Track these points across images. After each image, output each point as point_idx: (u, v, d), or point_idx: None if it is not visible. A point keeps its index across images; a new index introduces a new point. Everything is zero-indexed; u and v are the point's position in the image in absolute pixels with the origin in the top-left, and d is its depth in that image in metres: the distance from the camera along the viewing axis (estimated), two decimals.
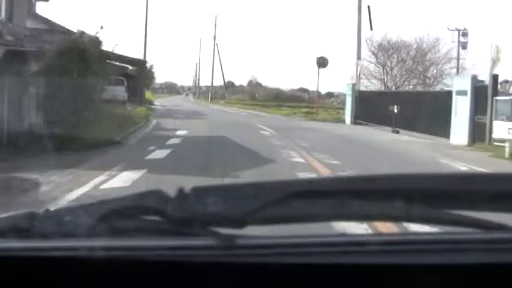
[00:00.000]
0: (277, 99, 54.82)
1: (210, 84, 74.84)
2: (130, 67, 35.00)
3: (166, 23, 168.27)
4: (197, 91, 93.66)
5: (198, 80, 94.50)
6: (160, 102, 53.45)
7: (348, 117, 28.02)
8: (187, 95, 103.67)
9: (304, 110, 37.83)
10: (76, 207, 0.93)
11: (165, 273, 0.88)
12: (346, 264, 0.88)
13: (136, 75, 33.23)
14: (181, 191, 0.90)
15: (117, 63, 33.69)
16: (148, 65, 39.63)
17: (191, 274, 0.88)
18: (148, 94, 62.05)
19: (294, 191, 0.92)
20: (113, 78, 31.22)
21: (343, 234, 0.93)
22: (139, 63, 33.67)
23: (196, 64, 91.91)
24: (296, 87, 66.61)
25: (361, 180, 1.01)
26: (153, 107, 37.35)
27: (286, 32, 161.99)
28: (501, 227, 0.95)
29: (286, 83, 75.14)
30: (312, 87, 71.32)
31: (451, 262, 0.89)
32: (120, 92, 29.46)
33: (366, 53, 35.11)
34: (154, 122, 20.48)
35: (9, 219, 0.92)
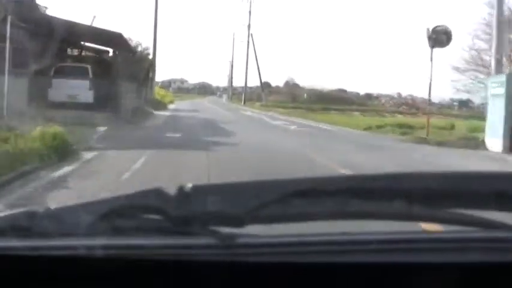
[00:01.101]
0: (321, 101, 48.68)
1: (245, 84, 63.23)
2: (111, 51, 22.31)
3: (200, 20, 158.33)
4: (230, 92, 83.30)
5: (231, 79, 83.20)
6: (179, 105, 43.29)
7: (495, 139, 14.53)
8: (220, 96, 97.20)
9: (357, 115, 33.08)
10: (76, 206, 0.92)
11: (165, 272, 0.87)
12: (346, 263, 0.88)
13: (122, 62, 20.39)
14: (181, 189, 0.90)
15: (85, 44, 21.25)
16: (139, 46, 26.82)
17: (191, 273, 0.87)
18: (162, 93, 49.49)
19: (294, 190, 0.92)
20: (67, 66, 18.86)
21: (344, 233, 0.92)
22: (117, 41, 18.91)
23: (230, 62, 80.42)
24: (334, 87, 59.53)
25: (361, 179, 1.02)
26: (156, 112, 26.82)
27: (320, 30, 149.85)
28: (502, 226, 0.95)
29: (323, 84, 64.33)
30: (350, 88, 62.70)
31: (452, 261, 0.89)
32: (80, 89, 16.86)
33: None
34: (68, 168, 7.56)
35: (9, 217, 0.91)
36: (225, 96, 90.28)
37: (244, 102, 57.18)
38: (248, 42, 59.31)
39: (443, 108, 46.71)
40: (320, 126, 21.87)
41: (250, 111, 36.00)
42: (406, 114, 37.93)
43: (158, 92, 47.85)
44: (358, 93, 64.12)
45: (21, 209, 0.92)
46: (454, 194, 0.97)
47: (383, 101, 64.12)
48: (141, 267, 0.87)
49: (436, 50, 16.77)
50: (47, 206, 0.92)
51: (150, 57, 30.82)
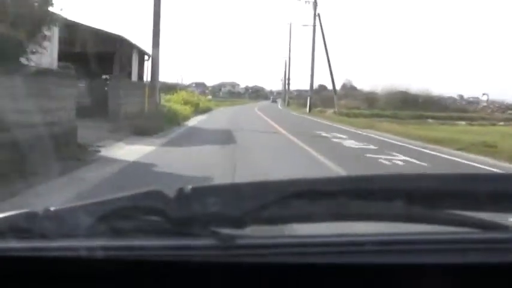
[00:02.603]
0: (407, 107, 41.27)
1: (302, 87, 49.30)
2: None
3: (252, 18, 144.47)
4: (286, 96, 68.17)
5: (288, 80, 67.96)
6: (212, 117, 28.62)
7: None
8: (273, 101, 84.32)
9: (465, 125, 28.44)
10: (76, 207, 0.92)
11: (165, 273, 0.87)
12: (346, 264, 0.88)
13: None
14: (181, 191, 0.89)
15: None
16: None
17: (191, 274, 0.87)
18: (190, 98, 33.12)
19: (293, 191, 0.92)
20: None
21: (343, 234, 0.92)
22: None
23: (286, 62, 65.59)
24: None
25: (361, 180, 1.01)
26: (119, 150, 10.92)
27: (369, 28, 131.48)
28: (501, 227, 0.95)
29: (380, 85, 52.14)
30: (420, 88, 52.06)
31: (451, 262, 0.89)
32: None
33: None
34: None
35: (9, 219, 0.90)
36: (279, 101, 79.26)
37: (309, 110, 40.69)
38: (314, 25, 42.29)
39: None
40: None
41: (344, 135, 17.57)
42: None
43: (183, 97, 31.20)
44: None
45: (21, 210, 0.91)
46: (453, 195, 0.97)
47: (482, 105, 55.18)
48: (141, 268, 0.86)
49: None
50: (47, 207, 0.91)
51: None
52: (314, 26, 41.97)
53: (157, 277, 0.86)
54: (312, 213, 0.92)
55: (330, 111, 37.26)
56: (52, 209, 0.91)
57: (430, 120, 32.14)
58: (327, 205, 0.92)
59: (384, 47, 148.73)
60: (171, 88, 39.30)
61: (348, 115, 33.28)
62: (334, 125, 24.00)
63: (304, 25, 44.37)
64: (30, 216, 0.89)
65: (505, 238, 0.93)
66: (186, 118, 23.03)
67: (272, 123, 23.38)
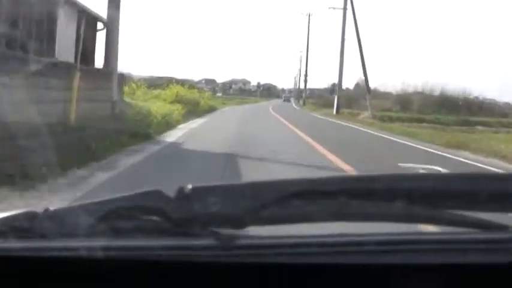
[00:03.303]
0: (445, 110, 35.10)
1: (313, 86, 46.49)
2: None
3: (265, 10, 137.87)
4: (303, 94, 61.30)
5: (306, 76, 60.35)
6: (219, 119, 22.92)
7: None
8: (286, 99, 77.07)
9: None
10: (76, 207, 0.92)
11: (165, 273, 0.87)
12: (346, 264, 0.88)
13: None
14: (181, 190, 0.89)
15: None
16: None
17: (191, 274, 0.87)
18: (181, 92, 26.01)
19: (294, 191, 0.91)
20: None
21: (343, 234, 0.92)
22: None
23: (301, 57, 59.18)
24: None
25: (361, 180, 1.01)
26: None
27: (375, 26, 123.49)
28: (501, 227, 0.95)
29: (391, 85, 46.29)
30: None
31: (451, 262, 0.89)
32: None
33: None
34: None
35: (9, 219, 0.90)
36: (292, 100, 71.54)
37: (337, 111, 33.27)
38: (345, 7, 34.13)
39: None
40: None
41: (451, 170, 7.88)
42: None
43: (178, 93, 23.74)
44: None
45: (22, 210, 0.91)
46: (453, 195, 0.96)
47: None
48: (141, 269, 0.86)
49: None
50: (47, 207, 0.91)
51: None
52: (345, 8, 33.70)
53: (157, 277, 0.86)
54: (312, 213, 0.92)
55: (363, 114, 29.99)
56: (52, 209, 0.90)
57: (479, 128, 26.59)
58: (327, 205, 0.92)
59: (393, 44, 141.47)
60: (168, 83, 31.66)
61: (382, 119, 26.82)
62: (395, 138, 15.93)
63: (331, 7, 36.30)
64: (30, 216, 0.89)
65: (505, 238, 0.93)
66: (171, 125, 15.13)
67: (303, 135, 15.05)
